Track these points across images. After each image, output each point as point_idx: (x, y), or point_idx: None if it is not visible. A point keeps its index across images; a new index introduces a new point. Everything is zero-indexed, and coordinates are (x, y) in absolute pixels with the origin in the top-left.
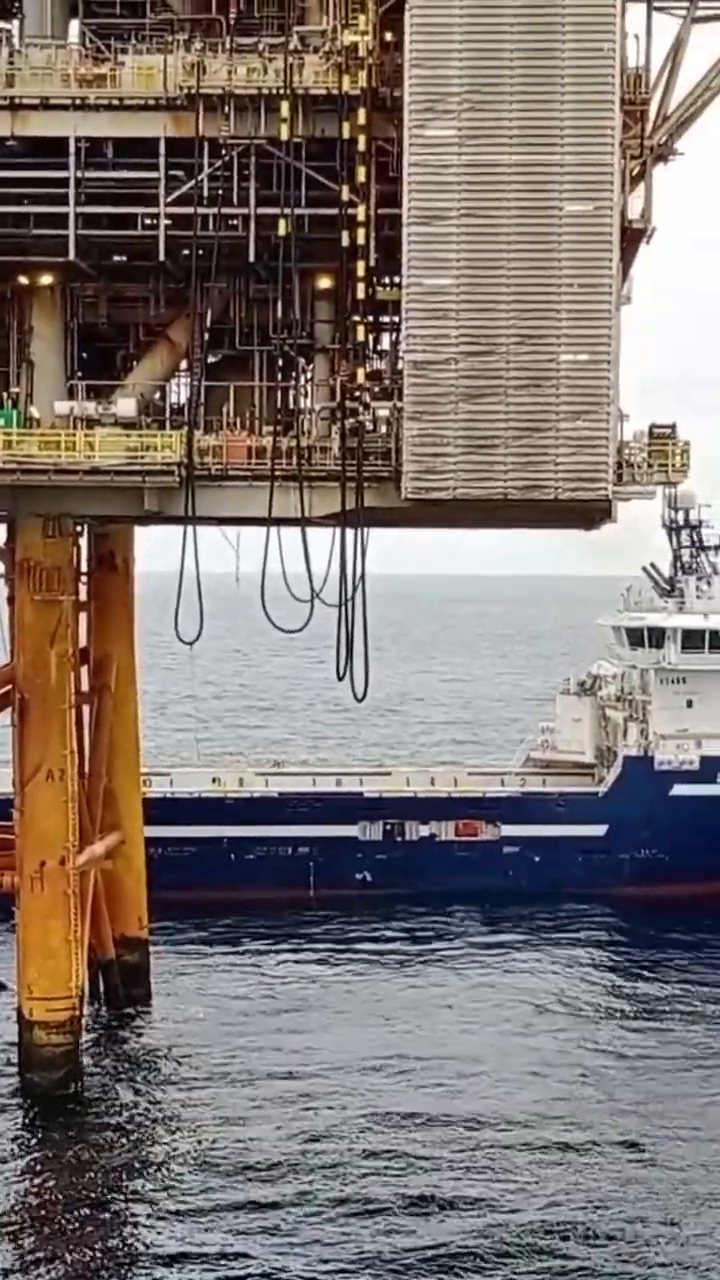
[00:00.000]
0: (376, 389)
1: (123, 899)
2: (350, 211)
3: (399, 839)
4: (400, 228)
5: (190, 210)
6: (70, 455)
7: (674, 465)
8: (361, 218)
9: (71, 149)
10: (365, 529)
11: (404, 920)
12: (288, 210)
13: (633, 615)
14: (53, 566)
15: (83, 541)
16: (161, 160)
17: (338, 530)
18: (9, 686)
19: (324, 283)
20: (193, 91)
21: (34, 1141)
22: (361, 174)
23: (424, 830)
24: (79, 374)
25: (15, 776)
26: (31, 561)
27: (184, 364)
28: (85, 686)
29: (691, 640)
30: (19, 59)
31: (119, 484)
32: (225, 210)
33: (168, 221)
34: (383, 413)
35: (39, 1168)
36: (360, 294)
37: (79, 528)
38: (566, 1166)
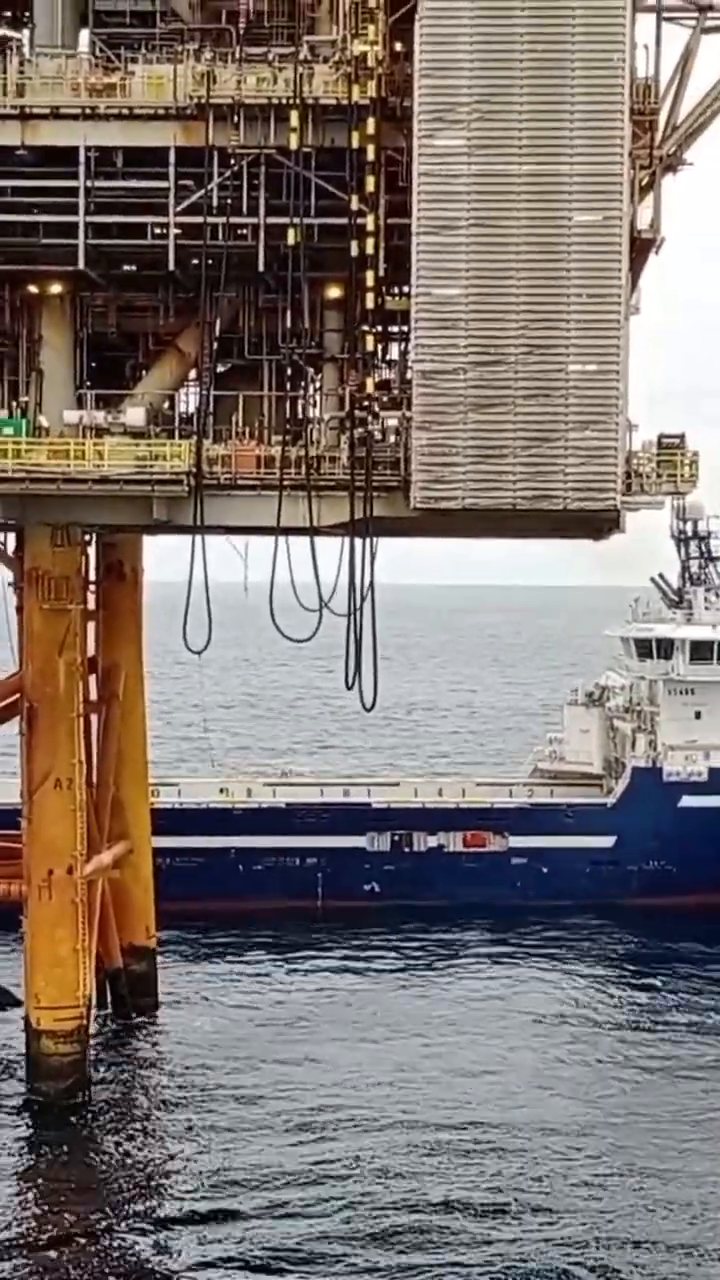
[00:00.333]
0: (385, 398)
1: (130, 908)
2: (359, 221)
3: (407, 850)
4: (409, 237)
5: (200, 220)
6: (79, 464)
7: (682, 475)
8: (371, 227)
9: (81, 158)
10: (374, 538)
11: (412, 931)
12: (297, 220)
13: (641, 626)
14: (61, 575)
15: (91, 550)
16: (171, 170)
17: (346, 540)
18: (17, 695)
19: (333, 292)
20: (202, 101)
21: (40, 1151)
22: (371, 184)
23: (432, 841)
24: (88, 383)
25: (23, 785)
26: (40, 570)
27: (193, 373)
28: (93, 695)
29: (700, 651)
30: (29, 68)
31: (128, 493)
32: (234, 220)
33: (177, 231)
34: (391, 422)
35: (45, 1177)
36: (369, 304)
37: (87, 537)
38: (578, 1180)
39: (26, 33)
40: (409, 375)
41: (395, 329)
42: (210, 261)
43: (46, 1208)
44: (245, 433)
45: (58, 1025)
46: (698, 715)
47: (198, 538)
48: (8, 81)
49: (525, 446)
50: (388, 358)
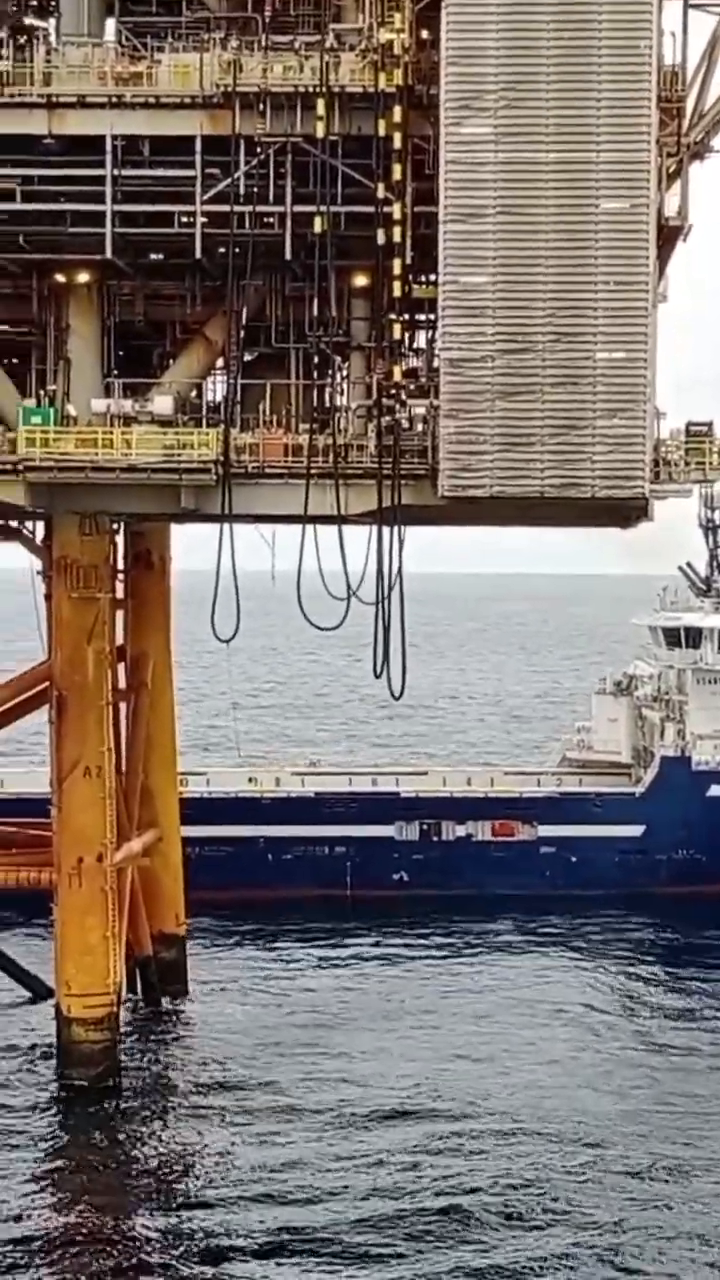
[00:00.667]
0: (413, 386)
1: (160, 895)
2: (386, 209)
3: (435, 839)
4: (436, 225)
5: (226, 208)
6: (107, 453)
7: (711, 463)
8: (397, 215)
9: (108, 147)
10: (401, 526)
11: (440, 920)
12: (324, 208)
13: (669, 615)
14: (90, 564)
15: (119, 539)
16: (198, 158)
17: (374, 528)
18: (47, 683)
19: (360, 280)
20: (229, 89)
21: (72, 1137)
22: (397, 171)
23: (460, 830)
24: (115, 372)
25: (53, 773)
26: (69, 559)
27: (220, 362)
28: (122, 684)
29: None
30: (56, 57)
31: (155, 481)
32: (261, 208)
33: (204, 219)
34: (419, 410)
35: (77, 1163)
36: (396, 292)
37: (115, 525)
38: (609, 1170)
39: (53, 21)
40: (436, 363)
41: (422, 317)
42: (237, 250)
43: (78, 1193)
44: (273, 421)
45: (88, 1012)
46: None
47: (225, 526)
48: (34, 70)
49: (553, 434)
50: (415, 346)
